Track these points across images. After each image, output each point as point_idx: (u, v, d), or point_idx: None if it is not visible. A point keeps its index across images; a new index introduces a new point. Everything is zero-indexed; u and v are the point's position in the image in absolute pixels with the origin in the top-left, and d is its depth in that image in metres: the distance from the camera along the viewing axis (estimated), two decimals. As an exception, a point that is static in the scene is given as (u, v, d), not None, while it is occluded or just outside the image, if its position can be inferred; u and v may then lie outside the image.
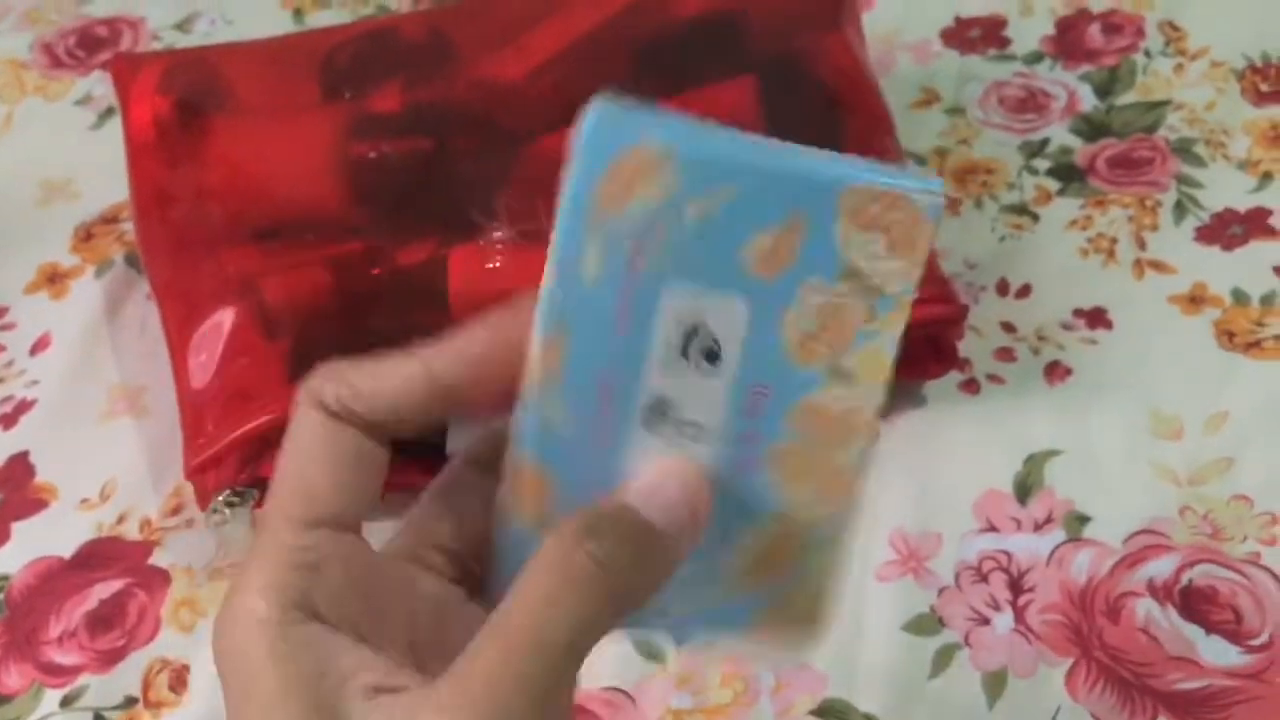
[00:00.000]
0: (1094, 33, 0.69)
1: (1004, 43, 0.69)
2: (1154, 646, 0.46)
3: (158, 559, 0.52)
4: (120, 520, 0.54)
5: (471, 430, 0.33)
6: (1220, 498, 0.50)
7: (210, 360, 0.50)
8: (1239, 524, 0.49)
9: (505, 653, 0.27)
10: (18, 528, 0.54)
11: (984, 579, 0.49)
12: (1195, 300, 0.57)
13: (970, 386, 0.55)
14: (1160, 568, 0.48)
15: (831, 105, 0.54)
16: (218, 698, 0.51)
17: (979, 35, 0.69)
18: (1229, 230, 0.59)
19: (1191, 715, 0.45)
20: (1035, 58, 0.68)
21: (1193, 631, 0.47)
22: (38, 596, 0.52)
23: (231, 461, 0.49)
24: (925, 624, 0.48)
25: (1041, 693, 0.46)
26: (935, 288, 0.52)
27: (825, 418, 0.29)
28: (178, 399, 0.51)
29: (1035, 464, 0.52)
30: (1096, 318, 0.57)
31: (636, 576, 0.28)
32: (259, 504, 0.48)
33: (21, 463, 0.56)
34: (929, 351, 0.53)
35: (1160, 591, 0.48)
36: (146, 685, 0.49)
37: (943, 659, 0.47)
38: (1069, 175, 0.62)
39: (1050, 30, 0.69)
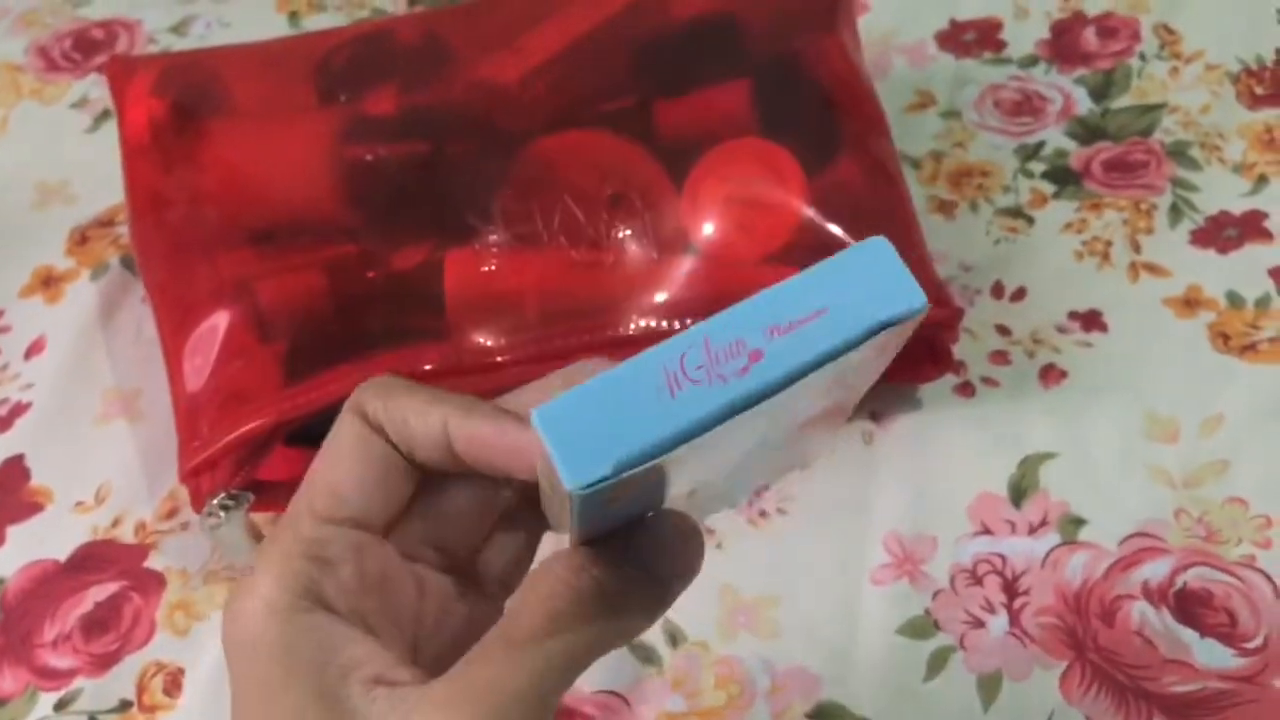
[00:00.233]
0: (1089, 36, 0.69)
1: (999, 46, 0.69)
2: (1149, 649, 0.46)
3: (153, 562, 0.52)
4: (115, 523, 0.54)
5: None
6: (1215, 500, 0.50)
7: (205, 363, 0.50)
8: (1234, 527, 0.49)
9: (508, 663, 0.27)
10: (12, 531, 0.54)
11: (979, 582, 0.49)
12: (1190, 303, 0.57)
13: (965, 389, 0.55)
14: (1155, 570, 0.48)
15: (827, 107, 0.54)
16: (213, 701, 0.51)
17: (974, 38, 0.69)
18: (1224, 233, 0.59)
19: (1186, 718, 0.45)
20: (1030, 61, 0.68)
21: (1187, 634, 0.47)
22: (32, 600, 0.52)
23: (226, 464, 0.49)
24: (920, 627, 0.48)
25: (1036, 695, 0.46)
26: (930, 291, 0.52)
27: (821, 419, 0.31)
28: (173, 402, 0.51)
29: (1030, 467, 0.52)
30: (1091, 320, 0.57)
31: (639, 619, 0.29)
32: (254, 507, 0.48)
33: (16, 466, 0.56)
34: (924, 354, 0.53)
35: (1155, 594, 0.48)
36: (141, 689, 0.49)
37: (938, 662, 0.47)
38: (1064, 178, 0.62)
39: (1045, 34, 0.69)
